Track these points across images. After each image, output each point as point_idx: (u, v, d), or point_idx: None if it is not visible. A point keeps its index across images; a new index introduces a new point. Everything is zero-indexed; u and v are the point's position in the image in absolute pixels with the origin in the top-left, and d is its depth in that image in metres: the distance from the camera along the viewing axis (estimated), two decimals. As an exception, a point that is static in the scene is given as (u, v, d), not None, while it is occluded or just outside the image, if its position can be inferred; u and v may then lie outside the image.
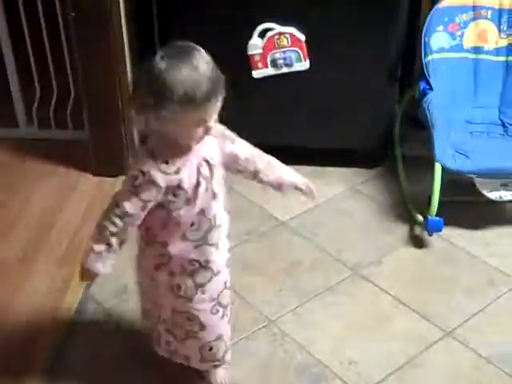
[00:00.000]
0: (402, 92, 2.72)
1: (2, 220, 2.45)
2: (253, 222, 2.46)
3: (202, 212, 1.55)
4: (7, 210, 2.51)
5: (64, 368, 1.90)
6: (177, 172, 1.48)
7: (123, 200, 1.49)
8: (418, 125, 2.56)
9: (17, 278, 2.18)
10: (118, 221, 1.50)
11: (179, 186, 1.49)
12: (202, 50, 1.44)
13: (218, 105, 1.45)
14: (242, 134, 2.64)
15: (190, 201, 1.52)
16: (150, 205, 1.51)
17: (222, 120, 1.54)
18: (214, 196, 1.56)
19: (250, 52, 2.47)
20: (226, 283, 1.68)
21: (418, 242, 2.36)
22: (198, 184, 1.51)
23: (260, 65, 2.49)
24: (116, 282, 2.15)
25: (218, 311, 1.67)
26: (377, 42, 2.47)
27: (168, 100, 1.37)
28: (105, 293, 2.15)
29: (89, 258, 1.55)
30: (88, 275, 1.59)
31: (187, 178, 1.50)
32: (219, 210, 1.59)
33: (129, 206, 1.49)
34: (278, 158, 2.71)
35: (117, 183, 2.66)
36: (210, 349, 1.71)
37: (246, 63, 2.49)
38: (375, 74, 2.53)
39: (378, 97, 2.57)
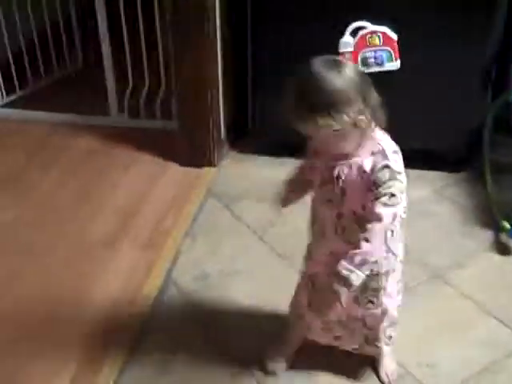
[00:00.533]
0: (495, 95, 2.66)
1: (90, 204, 2.55)
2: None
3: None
4: (96, 195, 2.60)
5: (143, 352, 1.95)
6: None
7: None
8: (509, 130, 2.51)
9: (102, 260, 2.26)
10: None
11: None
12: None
13: None
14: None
15: None
16: None
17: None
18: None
19: (342, 50, 2.47)
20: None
21: (502, 249, 2.31)
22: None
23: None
24: (197, 268, 2.20)
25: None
26: (471, 44, 2.43)
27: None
28: (186, 278, 2.20)
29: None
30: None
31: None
32: None
33: None
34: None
35: (203, 174, 2.72)
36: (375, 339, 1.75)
37: (337, 61, 2.50)
38: (468, 76, 2.49)
39: (470, 99, 2.53)
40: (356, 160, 1.51)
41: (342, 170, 1.53)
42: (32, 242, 2.34)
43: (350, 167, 1.52)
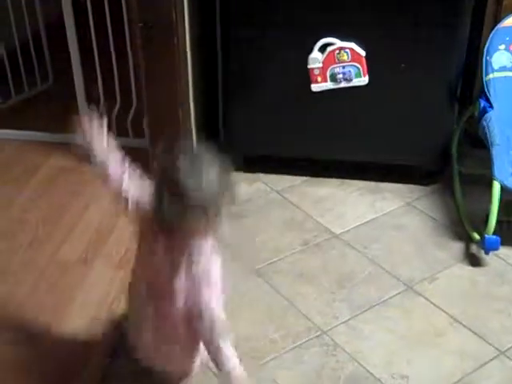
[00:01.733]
0: (461, 110, 2.72)
1: (64, 223, 2.53)
2: (307, 233, 2.48)
3: None
4: (69, 213, 2.58)
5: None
6: None
7: None
8: (476, 143, 2.55)
9: (77, 278, 2.24)
10: None
11: None
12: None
13: None
14: (295, 147, 2.71)
15: None
16: None
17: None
18: None
19: (310, 66, 2.50)
20: None
21: (473, 261, 2.34)
22: None
23: (319, 79, 2.52)
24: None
25: None
26: (437, 60, 2.49)
27: None
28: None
29: None
30: None
31: None
32: None
33: None
34: (331, 172, 2.78)
35: (175, 190, 2.72)
36: None
37: (305, 77, 2.53)
38: (434, 91, 2.54)
39: (437, 114, 2.58)
40: None
41: None
42: (5, 260, 2.32)
43: None
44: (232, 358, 1.54)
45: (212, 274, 1.56)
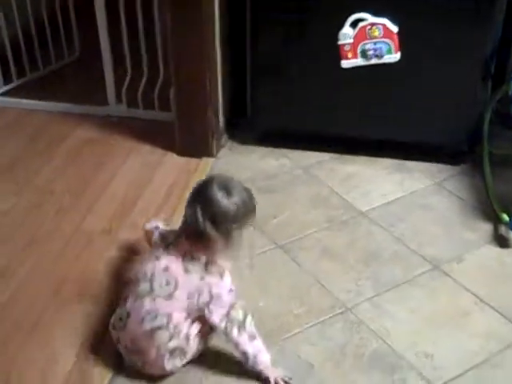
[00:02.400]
0: (494, 89, 2.66)
1: (89, 193, 2.54)
2: (333, 210, 2.46)
3: None
4: (94, 184, 2.59)
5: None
6: None
7: None
8: (508, 123, 2.51)
9: (101, 248, 2.25)
10: None
11: None
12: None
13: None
14: (323, 124, 2.69)
15: None
16: None
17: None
18: None
19: (341, 42, 2.47)
20: None
21: (501, 242, 2.30)
22: None
23: (350, 55, 2.48)
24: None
25: None
26: (471, 38, 2.43)
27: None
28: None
29: None
30: None
31: None
32: None
33: None
34: (360, 149, 2.75)
35: (201, 164, 2.71)
36: None
37: (336, 53, 2.49)
38: (467, 70, 2.49)
39: (469, 92, 2.53)
40: None
41: None
42: (31, 229, 2.34)
43: None
44: (252, 344, 1.76)
45: (222, 296, 1.75)
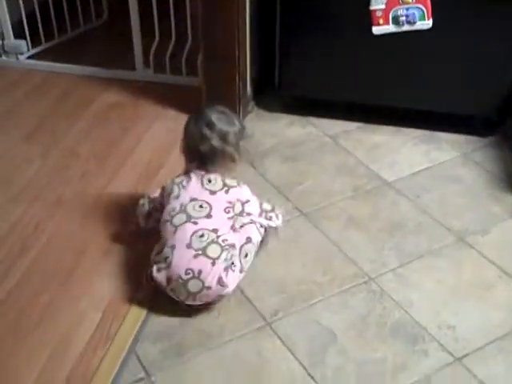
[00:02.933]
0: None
1: (114, 157, 2.55)
2: (359, 179, 2.45)
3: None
4: (120, 148, 2.60)
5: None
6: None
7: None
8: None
9: (126, 211, 2.26)
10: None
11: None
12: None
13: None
14: (351, 92, 2.66)
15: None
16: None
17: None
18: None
19: (373, 7, 2.42)
20: None
21: (528, 216, 2.29)
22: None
23: (381, 21, 2.43)
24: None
25: None
26: (505, 8, 2.37)
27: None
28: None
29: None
30: None
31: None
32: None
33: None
34: (387, 119, 2.72)
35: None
36: None
37: (367, 18, 2.45)
38: (500, 40, 2.43)
39: (501, 63, 2.48)
40: None
41: None
42: (57, 192, 2.36)
43: None
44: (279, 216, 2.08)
45: (249, 197, 2.03)
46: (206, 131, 1.96)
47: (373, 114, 2.74)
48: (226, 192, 1.96)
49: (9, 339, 1.82)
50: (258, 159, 2.55)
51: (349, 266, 2.08)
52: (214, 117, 1.98)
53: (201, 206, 1.91)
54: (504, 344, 1.83)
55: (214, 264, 1.82)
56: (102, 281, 2.01)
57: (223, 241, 1.86)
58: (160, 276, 1.86)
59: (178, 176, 2.04)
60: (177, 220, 1.89)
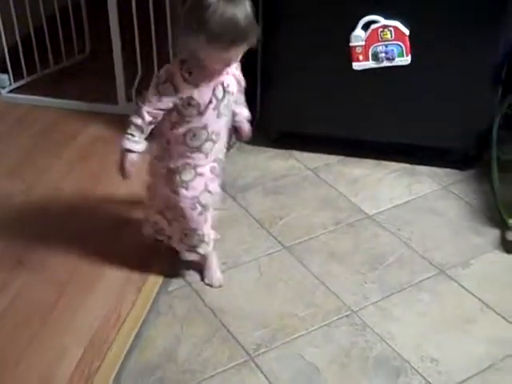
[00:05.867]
0: (504, 94, 2.66)
1: (99, 190, 2.55)
2: (340, 212, 2.47)
3: (205, 126, 1.86)
4: (104, 182, 2.59)
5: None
6: (196, 85, 1.79)
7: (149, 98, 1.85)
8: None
9: (107, 245, 2.26)
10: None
11: (192, 98, 1.80)
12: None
13: (243, 49, 1.77)
14: (332, 125, 2.69)
15: (199, 114, 1.83)
16: (168, 105, 1.83)
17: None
18: (219, 115, 1.86)
19: (352, 44, 2.46)
20: (206, 185, 1.95)
21: (509, 247, 2.30)
22: (209, 102, 1.82)
23: (361, 57, 2.48)
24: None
25: (196, 208, 1.96)
26: (482, 43, 2.42)
27: (207, 31, 1.66)
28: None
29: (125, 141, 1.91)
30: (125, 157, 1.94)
31: (202, 93, 1.80)
32: (219, 128, 1.89)
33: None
34: (368, 152, 2.75)
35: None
36: (186, 235, 2.02)
37: (347, 54, 2.49)
38: (477, 75, 2.49)
39: (479, 97, 2.53)
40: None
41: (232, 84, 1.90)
42: (40, 224, 2.36)
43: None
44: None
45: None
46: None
47: (354, 147, 2.77)
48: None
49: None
50: (241, 192, 2.57)
51: (331, 300, 2.08)
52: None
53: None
54: (486, 377, 1.84)
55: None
56: (86, 314, 1.99)
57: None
58: (161, 219, 2.05)
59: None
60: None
